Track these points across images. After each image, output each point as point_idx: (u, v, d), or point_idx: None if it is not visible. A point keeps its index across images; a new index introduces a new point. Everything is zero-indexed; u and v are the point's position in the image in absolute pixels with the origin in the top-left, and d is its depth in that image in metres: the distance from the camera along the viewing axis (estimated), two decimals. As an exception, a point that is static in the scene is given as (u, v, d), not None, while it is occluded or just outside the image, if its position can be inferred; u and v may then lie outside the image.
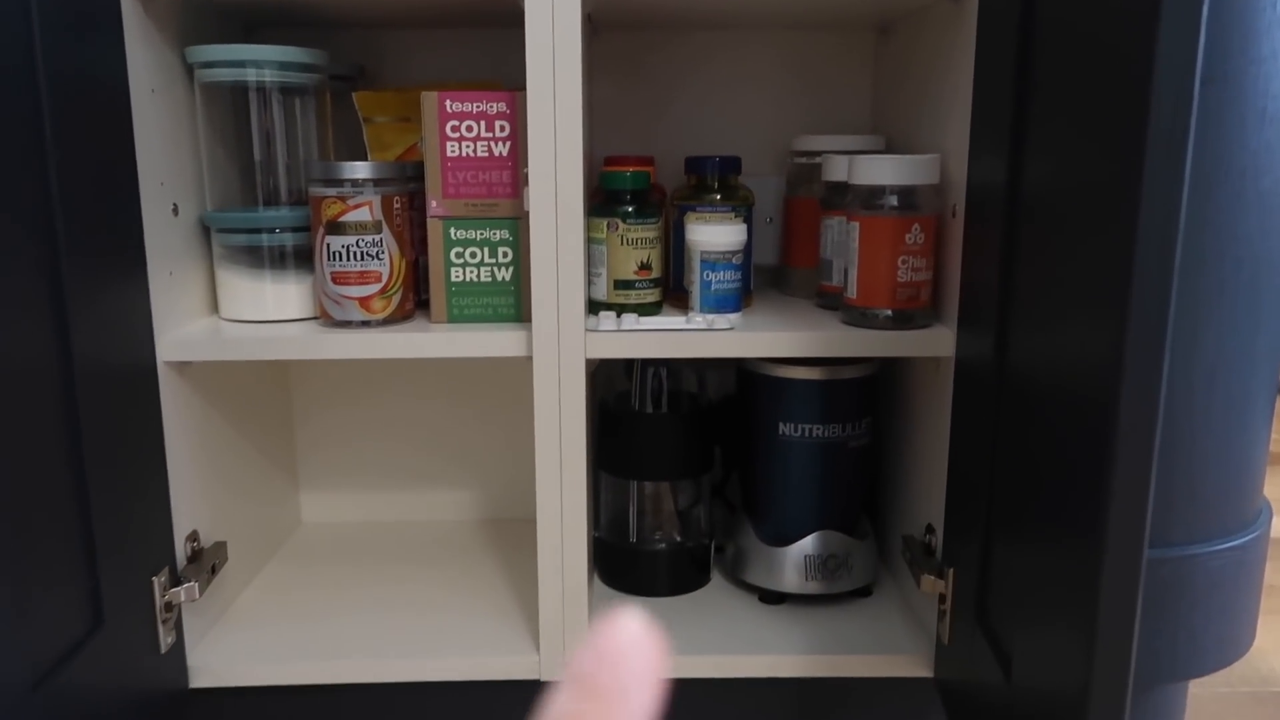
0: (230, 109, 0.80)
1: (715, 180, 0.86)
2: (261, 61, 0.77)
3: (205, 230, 0.82)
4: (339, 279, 0.76)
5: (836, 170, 0.83)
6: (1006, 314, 0.65)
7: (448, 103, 0.76)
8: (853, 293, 0.77)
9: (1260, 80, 0.68)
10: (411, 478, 1.09)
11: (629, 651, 0.18)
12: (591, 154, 0.96)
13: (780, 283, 0.96)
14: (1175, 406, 0.72)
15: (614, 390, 0.92)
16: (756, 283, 0.96)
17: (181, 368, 0.77)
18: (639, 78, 1.01)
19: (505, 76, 0.99)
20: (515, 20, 0.70)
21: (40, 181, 0.60)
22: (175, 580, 0.75)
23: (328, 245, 0.75)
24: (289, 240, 0.79)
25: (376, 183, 0.75)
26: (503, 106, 0.76)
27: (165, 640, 0.74)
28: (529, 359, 0.74)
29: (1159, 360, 0.47)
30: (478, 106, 0.76)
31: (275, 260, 0.80)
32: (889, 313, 0.76)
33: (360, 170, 0.75)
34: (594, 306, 0.81)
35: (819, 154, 0.89)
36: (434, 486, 1.09)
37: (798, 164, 0.92)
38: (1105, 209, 0.49)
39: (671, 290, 0.88)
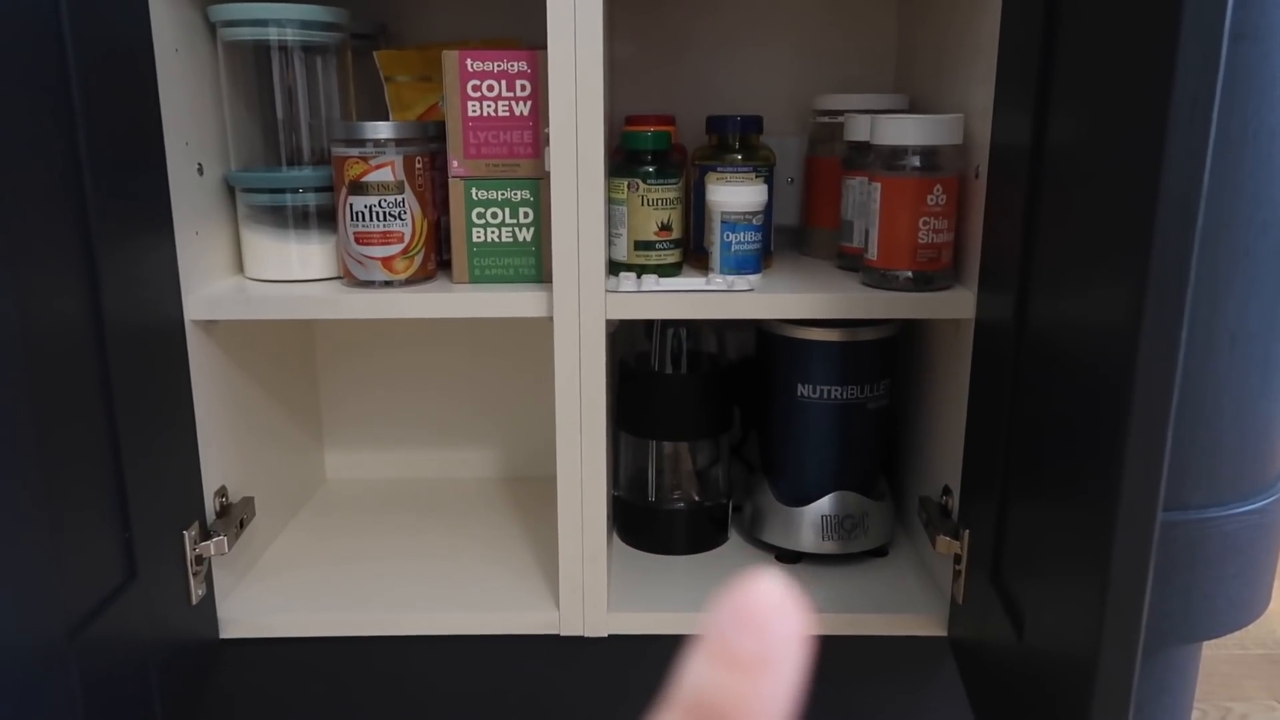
0: (253, 68, 0.80)
1: (736, 140, 0.86)
2: (284, 20, 0.77)
3: (230, 190, 0.82)
4: (362, 239, 0.77)
5: (858, 130, 0.82)
6: (1027, 276, 0.65)
7: (469, 62, 0.75)
8: (873, 254, 0.77)
9: (1293, 39, 0.67)
10: (434, 434, 1.10)
11: (772, 616, 0.17)
12: (612, 112, 0.96)
13: (801, 243, 0.96)
14: (1195, 369, 0.72)
15: (634, 350, 0.93)
16: (777, 243, 0.96)
17: (209, 326, 0.78)
18: (661, 35, 1.01)
19: (527, 33, 0.98)
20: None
21: (69, 143, 0.60)
22: (205, 534, 0.77)
23: (350, 205, 0.76)
24: (312, 200, 0.80)
25: (398, 143, 0.76)
26: (524, 66, 0.76)
27: (196, 592, 0.76)
28: (550, 319, 0.75)
29: (1178, 323, 0.47)
30: (499, 66, 0.76)
31: (299, 220, 0.80)
32: (910, 274, 0.75)
33: (382, 130, 0.75)
34: (614, 267, 0.81)
35: (841, 113, 0.88)
36: (456, 443, 1.11)
37: (820, 123, 0.92)
38: (1128, 170, 0.48)
39: (692, 250, 0.88)
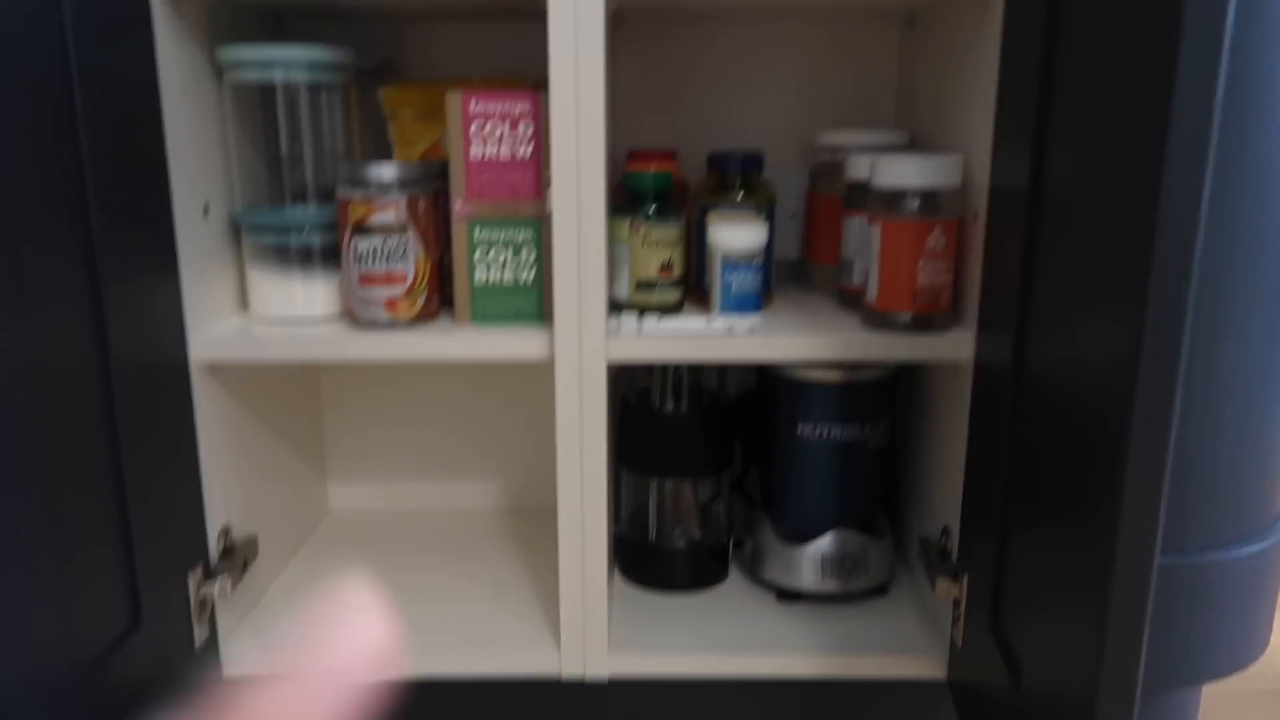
0: (259, 108, 0.81)
1: (738, 179, 0.86)
2: (290, 62, 0.78)
3: (235, 227, 0.83)
4: (365, 280, 0.77)
5: (859, 169, 0.83)
6: (1026, 318, 0.65)
7: (472, 103, 0.76)
8: (873, 296, 0.77)
9: (1290, 90, 0.67)
10: (437, 466, 1.11)
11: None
12: (614, 147, 0.96)
13: (802, 277, 0.96)
14: (1194, 411, 0.72)
15: (635, 386, 0.93)
16: (778, 277, 0.96)
17: (213, 366, 0.79)
18: (662, 69, 1.01)
19: (531, 68, 0.99)
20: (540, 13, 0.70)
21: (76, 185, 0.61)
22: (209, 574, 0.77)
23: (354, 247, 0.77)
24: (317, 239, 0.81)
25: (402, 184, 0.76)
26: (526, 107, 0.76)
27: (200, 635, 0.76)
28: (551, 361, 0.75)
29: (1174, 366, 0.47)
30: (501, 107, 0.76)
31: (303, 258, 0.81)
32: (909, 317, 0.76)
33: (386, 172, 0.76)
34: (616, 306, 0.81)
35: (842, 150, 0.89)
36: (458, 476, 1.11)
37: (820, 159, 0.92)
38: (1126, 214, 0.49)
39: (694, 287, 0.88)
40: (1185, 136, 0.45)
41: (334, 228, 0.80)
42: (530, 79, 0.94)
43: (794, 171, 1.00)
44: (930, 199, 0.74)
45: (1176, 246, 0.46)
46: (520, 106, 0.76)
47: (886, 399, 0.86)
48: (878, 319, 0.77)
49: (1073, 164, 0.57)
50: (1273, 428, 0.74)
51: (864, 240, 0.80)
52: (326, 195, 0.83)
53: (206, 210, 0.78)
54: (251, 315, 0.83)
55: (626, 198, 0.81)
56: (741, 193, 0.85)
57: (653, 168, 0.86)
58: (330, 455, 1.10)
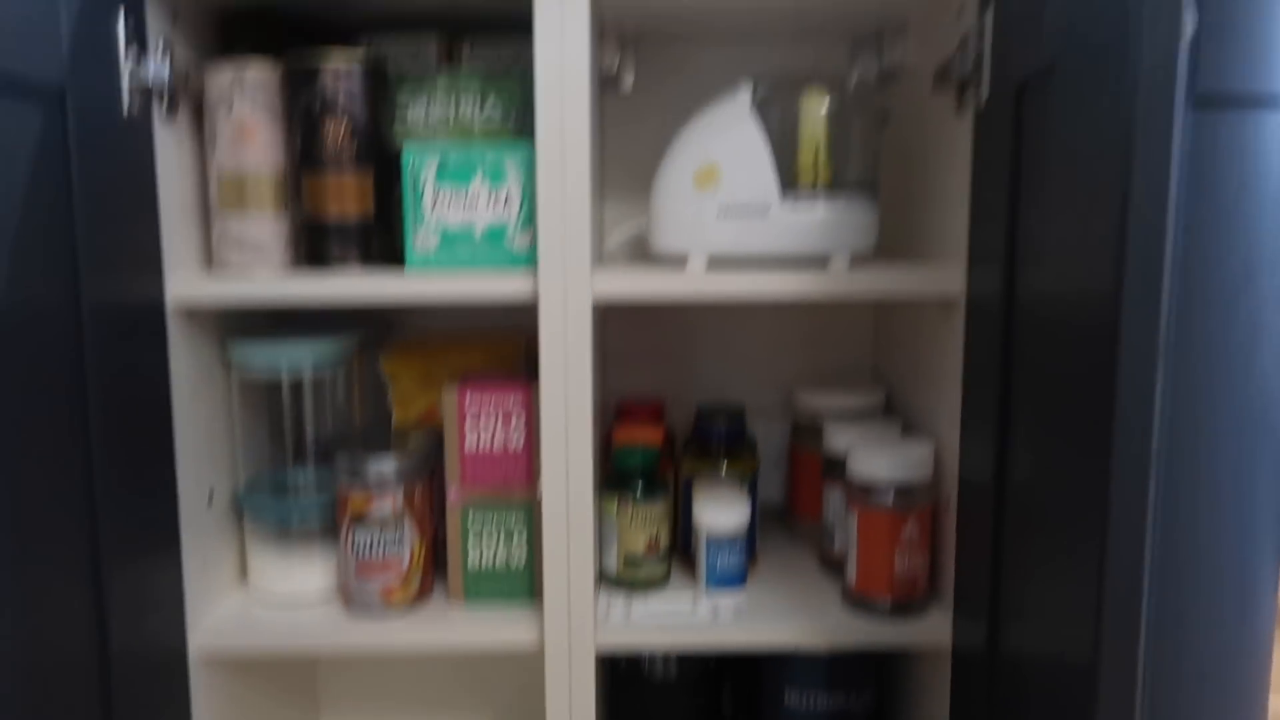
0: (265, 397, 0.85)
1: (722, 449, 0.90)
2: (296, 357, 0.82)
3: (238, 505, 0.86)
4: (362, 570, 0.79)
5: (836, 443, 0.86)
6: (997, 603, 0.68)
7: (467, 398, 0.80)
8: (852, 579, 0.80)
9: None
10: None
11: None
12: (604, 396, 1.00)
13: (787, 528, 0.99)
14: (1159, 684, 0.74)
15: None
16: (764, 521, 0.98)
17: (211, 654, 0.80)
18: (650, 326, 1.06)
19: (523, 319, 1.04)
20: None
21: (85, 481, 0.64)
22: None
23: (353, 537, 0.79)
24: (316, 521, 0.83)
25: (400, 476, 0.79)
26: (519, 401, 0.80)
27: None
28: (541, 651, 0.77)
29: (1133, 653, 0.50)
30: (496, 400, 0.80)
31: (303, 537, 0.83)
32: (889, 604, 0.78)
33: (386, 465, 0.79)
34: (604, 577, 0.84)
35: (820, 413, 0.92)
36: None
37: (801, 418, 0.96)
38: (1080, 511, 0.53)
39: (681, 548, 0.90)
40: (1129, 442, 0.49)
41: (333, 507, 0.83)
42: (523, 335, 0.99)
43: (778, 420, 1.04)
44: (904, 490, 0.77)
45: (1126, 545, 0.50)
46: (513, 399, 0.80)
47: (872, 667, 0.87)
48: (858, 601, 0.79)
49: (1031, 460, 0.61)
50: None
51: (843, 515, 0.82)
52: (329, 461, 0.86)
53: (211, 497, 0.81)
54: (251, 589, 0.85)
55: (615, 475, 0.84)
56: (725, 462, 0.89)
57: (640, 436, 0.90)
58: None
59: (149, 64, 0.71)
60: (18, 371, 0.57)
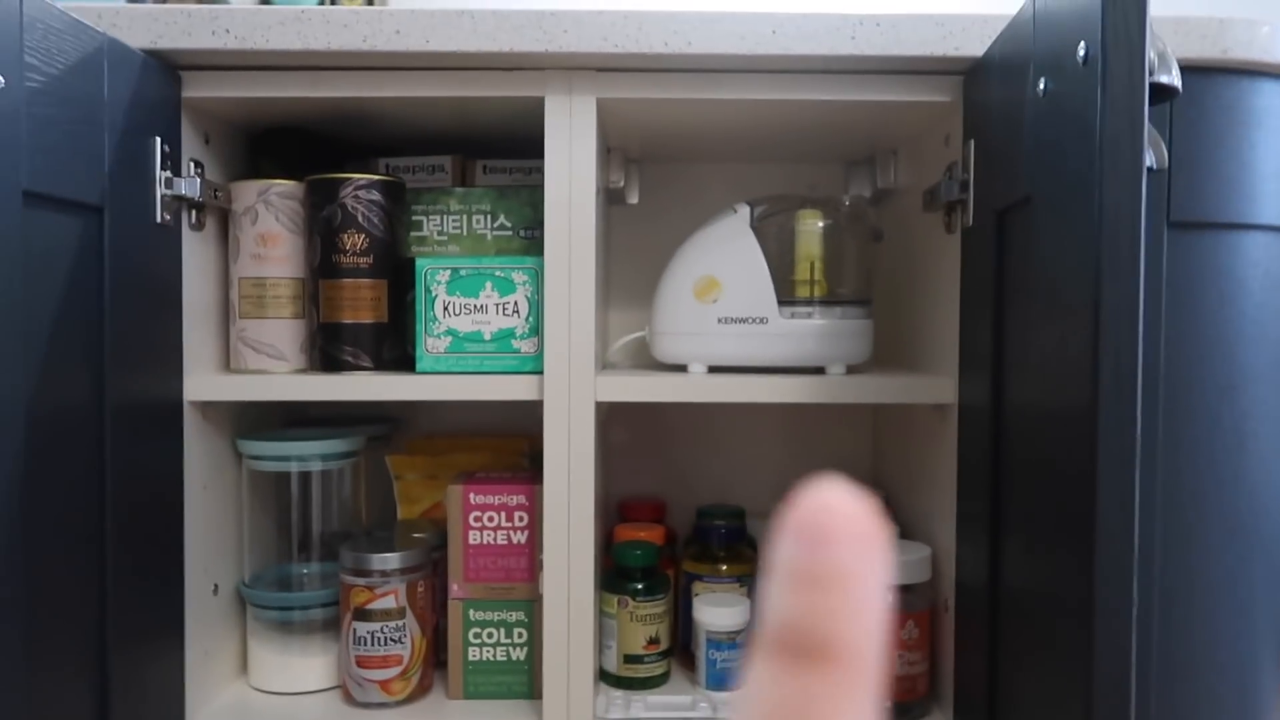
0: (273, 490, 0.87)
1: (721, 551, 0.91)
2: (306, 455, 0.85)
3: (241, 597, 0.87)
4: (362, 663, 0.80)
5: (835, 544, 0.88)
6: (994, 705, 0.69)
7: (471, 495, 0.82)
8: (851, 681, 0.80)
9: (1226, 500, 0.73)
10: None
11: (840, 525, 0.15)
12: (606, 496, 1.02)
13: (786, 628, 1.00)
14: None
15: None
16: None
17: (208, 745, 0.81)
18: (652, 427, 1.09)
19: (526, 423, 1.06)
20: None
21: (98, 569, 0.66)
22: None
23: (354, 631, 0.80)
24: (319, 615, 0.85)
25: (403, 571, 0.81)
26: (522, 499, 0.82)
27: None
28: (539, 749, 0.77)
29: None
30: (499, 499, 0.82)
31: (305, 631, 0.84)
32: (888, 705, 0.78)
33: (389, 562, 0.81)
34: (604, 675, 0.84)
35: (820, 514, 0.94)
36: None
37: (800, 518, 0.98)
38: (1068, 616, 0.54)
39: (679, 645, 0.91)
40: (1111, 547, 0.51)
41: (335, 605, 0.84)
42: (526, 438, 1.01)
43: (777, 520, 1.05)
44: (903, 592, 0.79)
45: (1112, 648, 0.51)
46: (516, 498, 0.82)
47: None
48: (856, 704, 0.80)
49: (1024, 563, 0.63)
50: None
51: (841, 618, 0.83)
52: (331, 554, 0.88)
53: (216, 590, 0.83)
54: (251, 680, 0.86)
55: (615, 573, 0.85)
56: (725, 564, 0.90)
57: (641, 534, 0.92)
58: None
59: (180, 181, 0.75)
60: (42, 463, 0.60)
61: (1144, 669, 0.71)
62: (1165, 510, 0.73)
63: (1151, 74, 0.46)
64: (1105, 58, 0.44)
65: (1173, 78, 0.47)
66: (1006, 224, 0.66)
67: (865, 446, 1.08)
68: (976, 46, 0.71)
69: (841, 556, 0.15)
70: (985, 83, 0.69)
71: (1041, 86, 0.54)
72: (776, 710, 0.15)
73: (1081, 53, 0.47)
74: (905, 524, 0.93)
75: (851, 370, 0.81)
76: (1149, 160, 0.49)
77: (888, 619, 0.16)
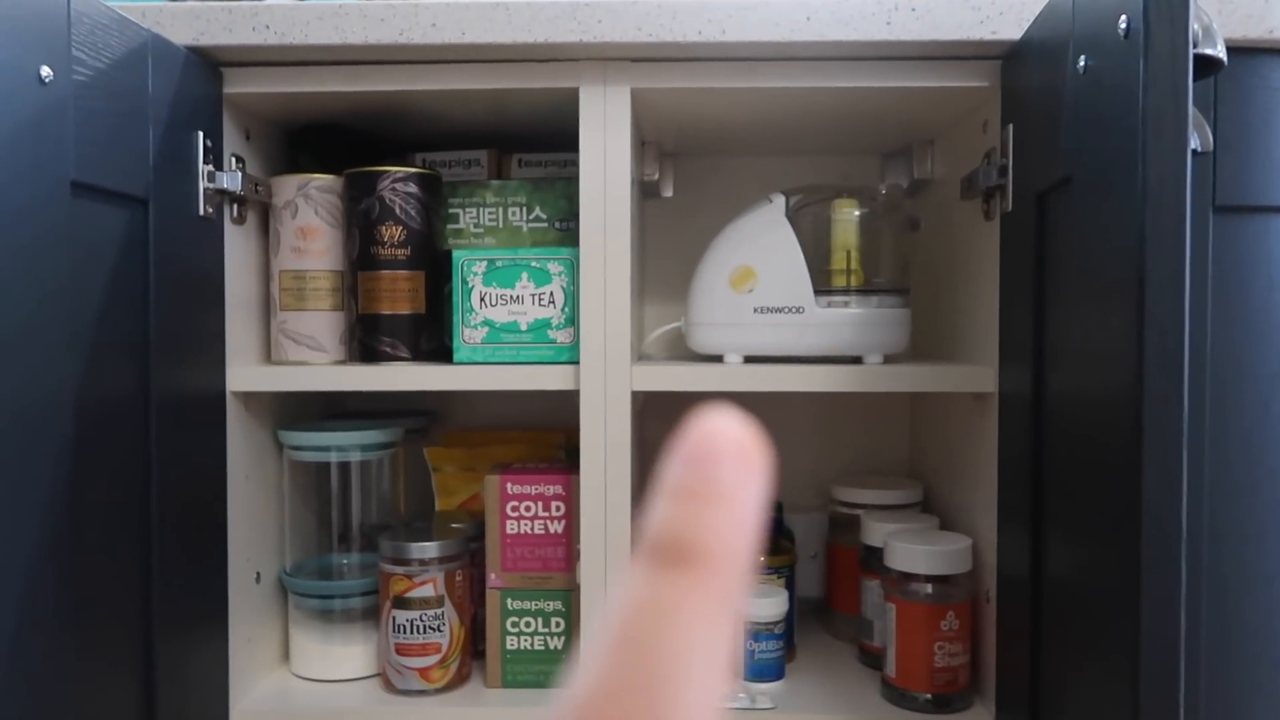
0: (314, 480, 0.88)
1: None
2: (345, 446, 0.86)
3: (283, 586, 0.88)
4: (402, 650, 0.81)
5: (873, 535, 0.87)
6: (1038, 697, 0.68)
7: (508, 485, 0.83)
8: (891, 671, 0.79)
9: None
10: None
11: (723, 448, 0.16)
12: (642, 489, 1.02)
13: (825, 621, 0.99)
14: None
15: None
16: (802, 614, 0.99)
17: (251, 731, 0.82)
18: (689, 418, 1.08)
19: (562, 416, 1.07)
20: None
21: (143, 557, 0.67)
22: None
23: (393, 619, 0.81)
24: (358, 604, 0.85)
25: (441, 560, 0.82)
26: (559, 489, 0.82)
27: None
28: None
29: None
30: (536, 489, 0.82)
31: (345, 620, 0.85)
32: (928, 697, 0.78)
33: (427, 551, 0.81)
34: (641, 669, 0.84)
35: (858, 506, 0.93)
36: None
37: (838, 511, 0.97)
38: (1113, 607, 0.53)
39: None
40: (1158, 536, 0.50)
41: (374, 593, 0.85)
42: (563, 428, 1.01)
43: (816, 511, 1.05)
44: (942, 583, 0.78)
45: (1160, 639, 0.50)
46: (553, 488, 0.82)
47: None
48: (897, 696, 0.79)
49: (1067, 554, 0.62)
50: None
51: (880, 607, 0.83)
52: (371, 545, 0.89)
53: (258, 579, 0.84)
54: (292, 667, 0.87)
55: (651, 564, 0.85)
56: (762, 556, 0.90)
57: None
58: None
59: (222, 175, 0.76)
60: (89, 452, 0.61)
61: (1192, 662, 0.70)
62: (1213, 501, 0.72)
63: (1195, 46, 0.45)
64: (1147, 29, 0.43)
65: (1217, 50, 0.46)
66: (1046, 207, 0.65)
67: (903, 438, 1.07)
68: (1014, 30, 0.70)
69: (719, 475, 0.16)
70: (1023, 65, 0.68)
71: (1081, 64, 0.54)
72: (639, 611, 0.15)
73: (1123, 26, 0.46)
74: (944, 515, 0.92)
75: (889, 360, 0.80)
76: (1194, 143, 0.48)
77: (759, 537, 0.16)
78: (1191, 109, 0.46)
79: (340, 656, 0.85)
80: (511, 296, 0.80)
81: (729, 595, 0.16)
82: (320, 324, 0.83)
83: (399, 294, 0.81)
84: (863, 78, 0.75)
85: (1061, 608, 0.63)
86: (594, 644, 0.16)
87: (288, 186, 0.83)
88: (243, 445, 0.81)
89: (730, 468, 0.16)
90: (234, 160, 0.79)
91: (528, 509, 0.83)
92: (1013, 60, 0.71)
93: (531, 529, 0.83)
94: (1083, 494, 0.59)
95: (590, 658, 0.16)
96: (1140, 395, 0.50)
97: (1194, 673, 0.70)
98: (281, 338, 0.83)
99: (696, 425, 0.17)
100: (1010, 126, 0.71)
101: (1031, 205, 0.66)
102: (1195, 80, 0.44)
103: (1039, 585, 0.68)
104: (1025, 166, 0.68)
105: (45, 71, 0.56)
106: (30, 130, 0.55)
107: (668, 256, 1.07)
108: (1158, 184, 0.45)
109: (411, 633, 0.81)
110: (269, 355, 0.86)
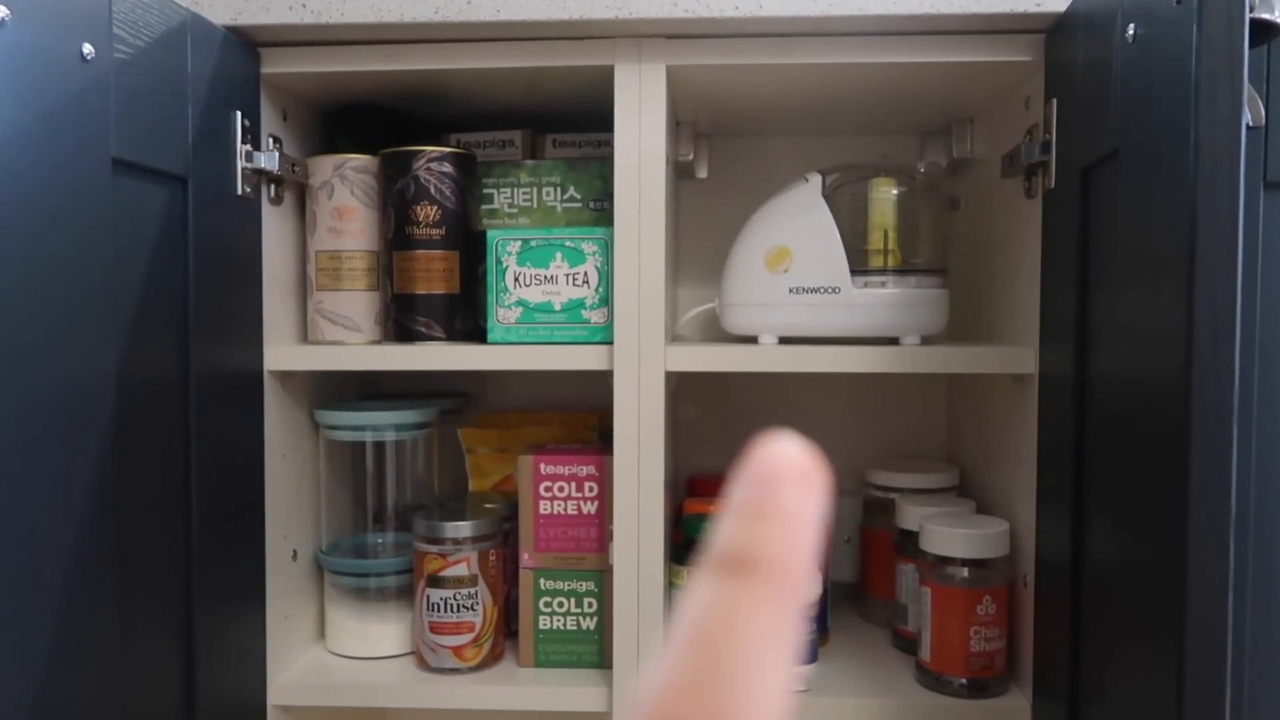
0: (349, 459, 0.89)
1: (791, 524, 0.90)
2: (380, 425, 0.86)
3: (319, 564, 0.89)
4: (436, 628, 0.82)
5: (908, 519, 0.86)
6: (1077, 683, 0.67)
7: (542, 465, 0.83)
8: (926, 655, 0.79)
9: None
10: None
11: (787, 472, 0.18)
12: (675, 472, 1.02)
13: (859, 605, 0.98)
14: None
15: None
16: (835, 599, 0.98)
17: (289, 706, 0.83)
18: (722, 400, 1.08)
19: (597, 398, 1.07)
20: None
21: (183, 534, 0.68)
22: None
23: (428, 597, 0.82)
24: (393, 583, 0.86)
25: (475, 540, 0.82)
26: (592, 470, 0.82)
27: None
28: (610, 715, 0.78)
29: None
30: (569, 469, 0.82)
31: (380, 598, 0.86)
32: (964, 681, 0.77)
33: (461, 530, 0.81)
34: (674, 650, 0.84)
35: (893, 490, 0.92)
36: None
37: (872, 495, 0.96)
38: (1157, 594, 0.52)
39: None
40: (1206, 521, 0.49)
41: (409, 572, 0.86)
42: (596, 410, 1.01)
43: (850, 495, 1.04)
44: (979, 567, 0.77)
45: (1206, 625, 0.49)
46: (586, 469, 0.82)
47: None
48: (932, 680, 0.78)
49: (1110, 538, 0.61)
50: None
51: (915, 591, 0.82)
52: (405, 525, 0.89)
53: (295, 556, 0.85)
54: (328, 645, 0.88)
55: (685, 544, 0.85)
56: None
57: (711, 507, 0.91)
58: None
59: (260, 155, 0.77)
60: (130, 429, 0.62)
61: (1238, 649, 0.68)
62: (1260, 488, 0.70)
63: (1251, 10, 0.44)
64: (1202, -7, 0.42)
65: (1275, 14, 0.45)
66: (1091, 183, 0.64)
67: (940, 420, 1.06)
68: (1058, 2, 0.69)
69: (782, 495, 0.17)
70: (1069, 37, 0.67)
71: (1131, 32, 0.52)
72: (705, 616, 0.17)
73: (1175, -8, 0.45)
74: (982, 498, 0.90)
75: (926, 341, 0.79)
76: (1246, 117, 0.47)
77: (817, 554, 0.18)
78: (1246, 82, 0.45)
79: (375, 634, 0.86)
80: (546, 276, 0.79)
81: (790, 601, 0.17)
82: (356, 304, 0.83)
83: (434, 274, 0.81)
84: (903, 53, 0.74)
85: (1103, 593, 0.62)
86: (665, 644, 0.17)
87: (324, 167, 0.83)
88: (280, 424, 0.82)
89: (792, 489, 0.18)
90: (271, 140, 0.80)
91: (561, 489, 0.83)
92: (1058, 32, 0.69)
93: (565, 509, 0.83)
94: (1127, 476, 0.58)
95: (663, 656, 0.17)
96: (1189, 373, 0.49)
97: (1239, 659, 0.68)
98: (318, 318, 0.84)
99: (761, 449, 0.18)
100: (1054, 101, 0.69)
101: (1076, 181, 0.65)
102: (1251, 47, 0.43)
103: (1080, 570, 0.67)
104: (1069, 142, 0.67)
105: (87, 49, 0.57)
106: (74, 107, 0.56)
107: (702, 237, 1.06)
108: (1210, 153, 0.44)
109: (445, 611, 0.81)
110: (305, 335, 0.86)
